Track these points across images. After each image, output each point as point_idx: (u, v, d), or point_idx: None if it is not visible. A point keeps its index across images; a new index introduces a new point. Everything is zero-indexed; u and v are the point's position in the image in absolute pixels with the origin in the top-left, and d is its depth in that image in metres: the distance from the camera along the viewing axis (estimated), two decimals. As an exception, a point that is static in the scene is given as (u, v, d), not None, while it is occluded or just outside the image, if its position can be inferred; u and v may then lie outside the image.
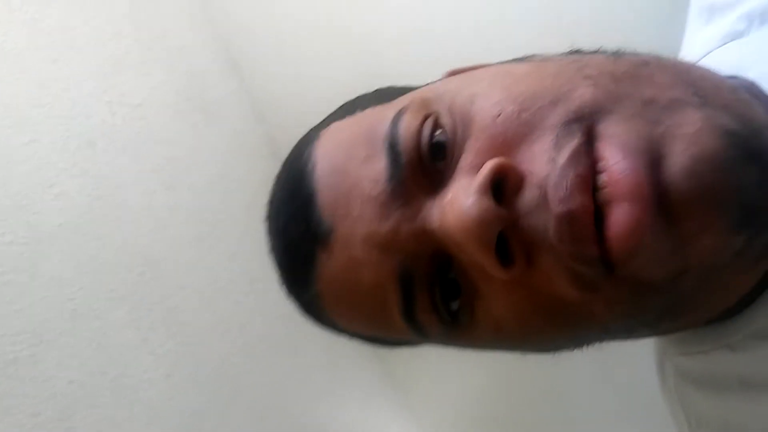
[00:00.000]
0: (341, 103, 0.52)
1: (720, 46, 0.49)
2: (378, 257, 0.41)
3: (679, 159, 0.33)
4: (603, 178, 0.34)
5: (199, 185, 1.13)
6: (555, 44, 0.48)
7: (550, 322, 0.39)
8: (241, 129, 1.29)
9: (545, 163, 0.36)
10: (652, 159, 0.34)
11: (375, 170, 0.41)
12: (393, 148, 0.41)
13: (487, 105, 0.39)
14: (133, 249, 0.98)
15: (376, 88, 0.52)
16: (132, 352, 0.93)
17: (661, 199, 0.33)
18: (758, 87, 0.42)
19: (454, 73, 0.50)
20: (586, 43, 0.45)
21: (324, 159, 0.44)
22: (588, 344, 0.44)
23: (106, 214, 0.96)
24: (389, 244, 0.40)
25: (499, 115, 0.38)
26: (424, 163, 0.40)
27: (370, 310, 0.44)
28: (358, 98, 0.51)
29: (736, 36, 0.48)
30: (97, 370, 0.88)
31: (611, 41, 0.43)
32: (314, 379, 1.17)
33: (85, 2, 1.04)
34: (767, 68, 0.42)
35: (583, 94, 0.37)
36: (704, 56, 0.50)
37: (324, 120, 0.49)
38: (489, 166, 0.36)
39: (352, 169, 0.42)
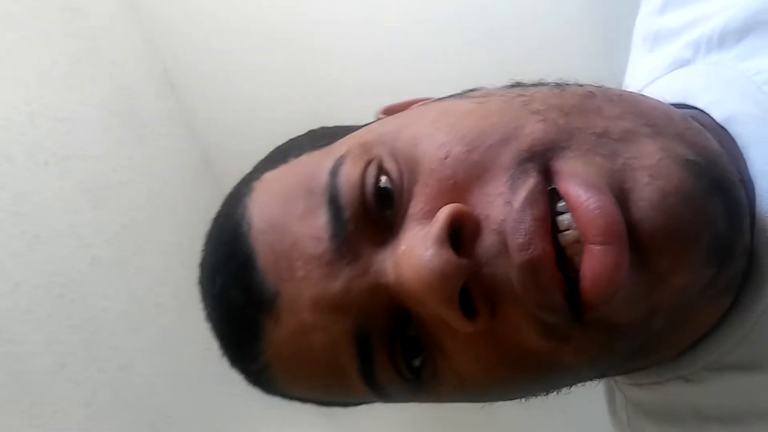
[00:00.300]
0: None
1: (666, 74, 0.49)
2: (330, 319, 0.38)
3: (646, 193, 0.32)
4: (566, 218, 0.33)
5: (126, 205, 1.09)
6: (496, 76, 0.47)
7: (517, 373, 0.37)
8: (175, 148, 1.26)
9: (501, 205, 0.34)
10: (617, 193, 0.32)
11: (316, 227, 0.38)
12: (334, 201, 0.38)
13: (433, 147, 0.37)
14: (53, 269, 0.94)
15: (308, 130, 0.49)
16: (48, 379, 0.89)
17: (630, 236, 0.32)
18: (706, 116, 0.42)
19: (388, 111, 0.48)
20: (526, 75, 0.44)
21: (260, 215, 0.41)
22: (558, 390, 0.43)
23: (23, 231, 0.91)
24: (340, 303, 0.37)
25: (447, 156, 0.36)
26: (370, 214, 0.38)
27: (326, 375, 0.40)
28: (289, 143, 0.48)
29: (682, 63, 0.49)
30: (9, 398, 0.83)
31: (550, 72, 0.43)
32: (245, 409, 1.13)
33: (13, 7, 1.00)
34: (715, 96, 0.42)
35: (533, 131, 0.36)
36: (650, 84, 0.50)
37: (254, 169, 0.46)
38: (445, 213, 0.34)
39: (291, 226, 0.39)
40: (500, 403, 0.44)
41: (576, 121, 0.36)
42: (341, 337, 0.38)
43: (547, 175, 0.34)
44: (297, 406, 0.48)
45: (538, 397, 0.42)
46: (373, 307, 0.37)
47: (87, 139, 1.06)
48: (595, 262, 0.31)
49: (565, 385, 0.41)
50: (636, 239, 0.32)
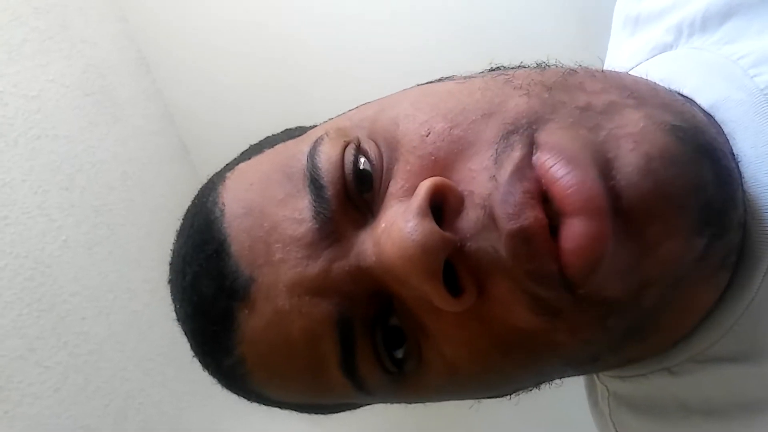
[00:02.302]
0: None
1: (647, 59, 0.49)
2: (309, 303, 0.36)
3: (630, 159, 0.31)
4: (552, 190, 0.31)
5: (97, 186, 1.07)
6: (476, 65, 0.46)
7: (509, 356, 0.36)
8: (149, 129, 1.24)
9: (486, 180, 0.33)
10: (601, 164, 0.31)
11: (297, 209, 0.37)
12: (315, 182, 0.37)
13: (413, 125, 0.36)
14: (21, 251, 0.92)
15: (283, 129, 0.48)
16: (16, 363, 0.88)
17: (616, 204, 0.31)
18: (691, 101, 0.41)
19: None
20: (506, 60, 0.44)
21: (234, 202, 0.39)
22: (550, 380, 0.42)
23: (-9, 212, 0.89)
24: (320, 286, 0.36)
25: (428, 133, 0.35)
26: (351, 195, 0.36)
27: (303, 367, 0.38)
28: (264, 139, 0.46)
29: (664, 48, 0.48)
30: (-25, 382, 0.82)
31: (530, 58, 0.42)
32: (216, 396, 1.12)
33: (-20, -16, 0.98)
34: (699, 82, 0.41)
35: (518, 104, 0.34)
36: (631, 69, 0.50)
37: (227, 164, 0.44)
38: (426, 185, 0.33)
39: (270, 211, 0.37)
40: (488, 407, 0.42)
41: (559, 95, 0.35)
42: (322, 322, 0.36)
43: (531, 147, 0.33)
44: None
45: (526, 399, 0.41)
46: (355, 291, 0.36)
47: (58, 119, 1.04)
48: (574, 231, 0.30)
49: (558, 372, 0.40)
50: (622, 207, 0.31)
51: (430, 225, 0.32)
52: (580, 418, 0.48)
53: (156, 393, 1.06)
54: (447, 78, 0.43)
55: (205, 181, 0.45)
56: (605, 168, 0.31)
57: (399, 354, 0.37)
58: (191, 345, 0.43)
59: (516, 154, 0.32)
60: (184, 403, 1.09)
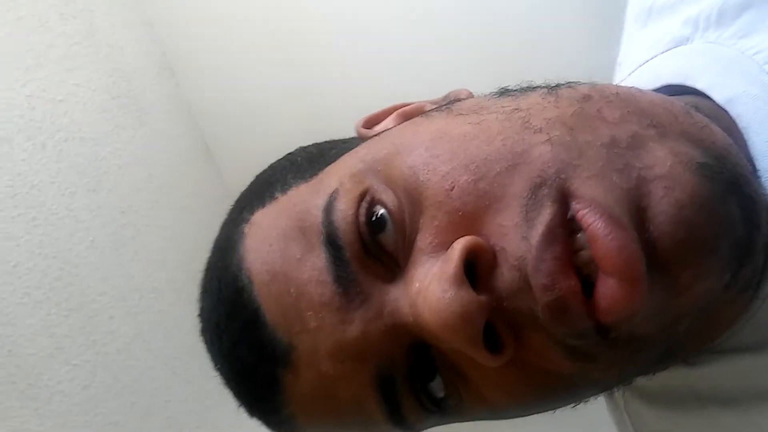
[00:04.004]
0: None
1: (664, 52, 0.48)
2: (351, 368, 0.36)
3: (662, 208, 0.31)
4: (592, 247, 0.31)
5: (123, 188, 1.08)
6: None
7: (546, 394, 0.37)
8: (174, 131, 1.25)
9: (518, 240, 0.32)
10: (635, 215, 0.31)
11: (317, 269, 0.36)
12: (332, 241, 0.36)
13: (435, 177, 0.35)
14: (50, 252, 0.93)
15: (287, 154, 0.47)
16: (45, 362, 0.89)
17: (651, 256, 0.31)
18: (707, 98, 0.41)
19: (368, 123, 0.46)
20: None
21: (258, 265, 0.39)
22: (587, 400, 0.42)
23: (20, 213, 0.91)
24: (360, 350, 0.36)
25: (453, 187, 0.34)
26: (370, 250, 0.36)
27: (353, 422, 0.39)
28: (270, 171, 0.45)
29: (681, 41, 0.47)
30: (6, 380, 0.83)
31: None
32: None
33: (9, -10, 0.99)
34: (714, 77, 0.41)
35: (541, 154, 0.34)
36: (647, 61, 0.50)
37: (239, 207, 0.44)
38: (459, 248, 0.33)
39: (293, 274, 0.37)
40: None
41: (582, 134, 0.34)
42: (365, 385, 0.37)
43: (562, 200, 0.32)
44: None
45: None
46: (393, 348, 0.36)
47: (84, 122, 1.06)
48: (610, 293, 0.30)
49: (589, 396, 0.41)
50: (656, 258, 0.31)
51: (468, 294, 0.32)
52: (595, 410, 0.48)
53: (182, 391, 1.07)
54: (452, 104, 0.42)
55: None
56: (639, 219, 0.31)
57: (440, 393, 0.37)
58: (236, 399, 0.44)
59: (546, 212, 0.32)
60: (210, 400, 1.10)
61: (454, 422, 0.42)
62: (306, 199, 0.39)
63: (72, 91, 1.05)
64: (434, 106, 0.45)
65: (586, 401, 0.42)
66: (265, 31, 1.19)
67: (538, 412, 0.41)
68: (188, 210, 1.19)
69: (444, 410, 0.38)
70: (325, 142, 0.47)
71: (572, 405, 0.42)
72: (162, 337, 1.07)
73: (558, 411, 0.41)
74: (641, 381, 0.44)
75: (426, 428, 0.41)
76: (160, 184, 1.16)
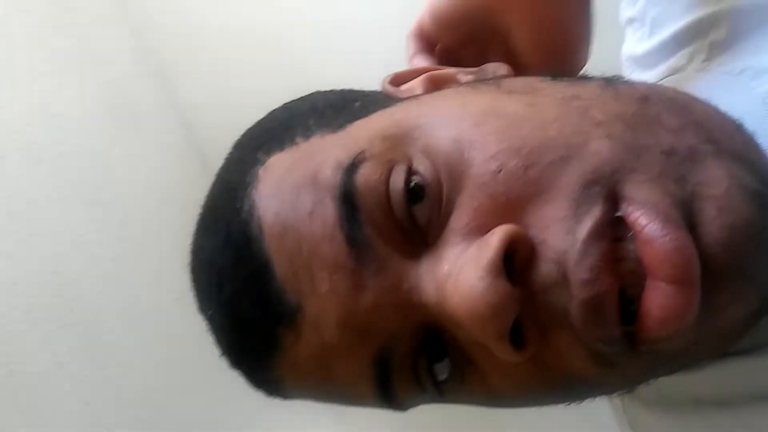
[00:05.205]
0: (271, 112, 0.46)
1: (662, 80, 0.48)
2: (357, 341, 0.35)
3: (713, 228, 0.30)
4: (644, 250, 0.30)
5: (120, 200, 1.08)
6: None
7: (556, 392, 0.36)
8: (170, 142, 1.24)
9: (563, 234, 0.31)
10: (689, 225, 0.30)
11: (328, 227, 0.35)
12: (348, 200, 0.34)
13: (482, 156, 0.33)
14: (48, 267, 0.92)
15: (309, 93, 0.46)
16: (47, 379, 0.88)
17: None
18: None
19: (396, 81, 0.45)
20: None
21: (271, 217, 0.36)
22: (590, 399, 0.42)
23: (17, 230, 0.90)
24: (371, 324, 0.34)
25: (500, 170, 0.33)
26: (397, 220, 0.34)
27: (341, 393, 0.39)
28: (289, 113, 0.44)
29: (676, 71, 0.48)
30: (8, 398, 0.82)
31: None
32: (246, 404, 1.12)
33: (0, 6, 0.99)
34: (718, 101, 0.40)
35: (599, 149, 0.32)
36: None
37: (255, 145, 0.41)
38: (500, 236, 0.31)
39: (305, 231, 0.35)
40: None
41: (642, 137, 0.33)
42: (365, 362, 0.36)
43: (613, 200, 0.31)
44: (298, 405, 0.46)
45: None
46: (403, 326, 0.35)
47: (80, 136, 1.05)
48: (664, 300, 0.29)
49: (596, 397, 0.40)
50: (702, 272, 0.30)
51: (504, 286, 0.31)
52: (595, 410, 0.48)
53: (186, 401, 1.06)
54: (500, 79, 0.40)
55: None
56: (691, 231, 0.30)
57: (442, 376, 0.36)
58: (222, 349, 0.42)
59: (597, 209, 0.31)
60: (215, 410, 1.09)
61: (446, 403, 0.41)
62: (329, 151, 0.37)
63: (66, 104, 1.04)
64: (470, 77, 0.43)
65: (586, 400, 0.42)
66: (258, 36, 1.19)
67: (540, 405, 0.40)
68: (186, 219, 1.19)
69: (441, 392, 0.37)
70: (347, 90, 0.45)
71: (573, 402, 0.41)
72: (163, 348, 1.06)
73: (556, 408, 0.40)
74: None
75: (413, 406, 0.40)
76: (157, 194, 1.16)
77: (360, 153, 0.36)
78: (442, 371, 0.36)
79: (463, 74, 0.44)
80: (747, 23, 0.43)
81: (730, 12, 0.43)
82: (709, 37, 0.45)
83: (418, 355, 0.36)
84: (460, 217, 0.34)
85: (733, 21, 0.43)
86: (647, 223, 0.30)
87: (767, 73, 0.41)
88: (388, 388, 0.37)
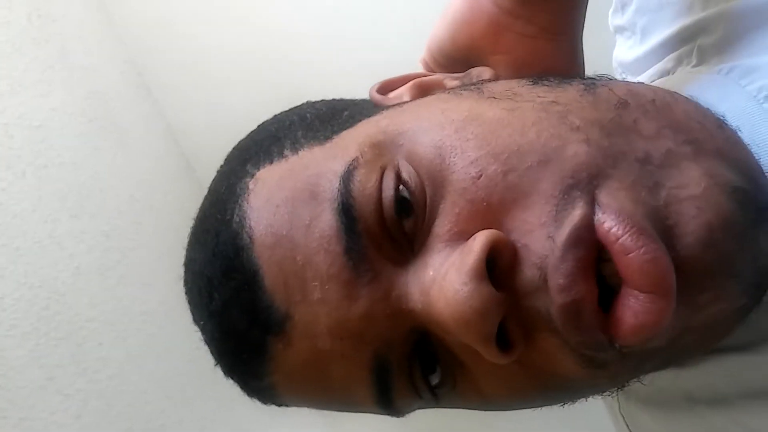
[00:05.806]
0: (257, 122, 0.46)
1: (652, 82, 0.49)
2: (351, 347, 0.35)
3: (692, 228, 0.31)
4: (620, 261, 0.30)
5: (106, 212, 1.07)
6: None
7: (546, 394, 0.36)
8: (154, 151, 1.24)
9: (543, 239, 0.31)
10: (661, 232, 0.30)
11: (326, 239, 0.35)
12: (347, 211, 0.34)
13: (463, 162, 0.34)
14: (35, 281, 0.92)
15: (298, 105, 0.45)
16: (37, 393, 0.87)
17: (677, 273, 0.30)
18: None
19: (383, 89, 0.45)
20: None
21: (262, 226, 0.36)
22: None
23: (3, 244, 0.90)
24: (363, 331, 0.35)
25: (480, 176, 0.33)
26: (388, 229, 0.34)
27: (339, 400, 0.39)
28: (277, 124, 0.43)
29: (664, 74, 0.48)
30: (-2, 414, 0.82)
31: None
32: (238, 413, 1.12)
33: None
34: (708, 99, 0.41)
35: (577, 153, 0.32)
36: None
37: (243, 158, 0.41)
38: (481, 241, 0.31)
39: (300, 241, 0.35)
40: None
41: (618, 143, 0.33)
42: (360, 367, 0.36)
43: (592, 205, 0.31)
44: (291, 410, 0.46)
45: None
46: (395, 333, 0.35)
47: (63, 147, 1.04)
48: (638, 309, 0.30)
49: (588, 397, 0.40)
50: (680, 276, 0.30)
51: (487, 290, 0.31)
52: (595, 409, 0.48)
53: (177, 414, 1.06)
54: (481, 84, 0.41)
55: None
56: (665, 235, 0.31)
57: (434, 380, 0.36)
58: (215, 358, 0.42)
59: (576, 213, 0.31)
60: (206, 422, 1.09)
61: (442, 408, 0.41)
62: (320, 163, 0.37)
63: (49, 116, 1.04)
64: (455, 83, 0.44)
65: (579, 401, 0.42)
66: (243, 47, 1.18)
67: (531, 408, 0.40)
68: (173, 228, 1.18)
69: (436, 397, 0.37)
70: (335, 100, 0.46)
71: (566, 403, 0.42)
72: (154, 360, 1.06)
73: (555, 408, 0.41)
74: (634, 383, 0.44)
75: (410, 411, 0.40)
76: (143, 205, 1.15)
77: (353, 161, 0.36)
78: (434, 377, 0.37)
79: (450, 79, 0.45)
80: (737, 27, 0.43)
81: (722, 17, 0.44)
82: (698, 41, 0.45)
83: (413, 361, 0.36)
84: (443, 224, 0.34)
85: (725, 25, 0.44)
86: (622, 234, 0.30)
87: (756, 72, 0.41)
88: (388, 395, 0.37)
